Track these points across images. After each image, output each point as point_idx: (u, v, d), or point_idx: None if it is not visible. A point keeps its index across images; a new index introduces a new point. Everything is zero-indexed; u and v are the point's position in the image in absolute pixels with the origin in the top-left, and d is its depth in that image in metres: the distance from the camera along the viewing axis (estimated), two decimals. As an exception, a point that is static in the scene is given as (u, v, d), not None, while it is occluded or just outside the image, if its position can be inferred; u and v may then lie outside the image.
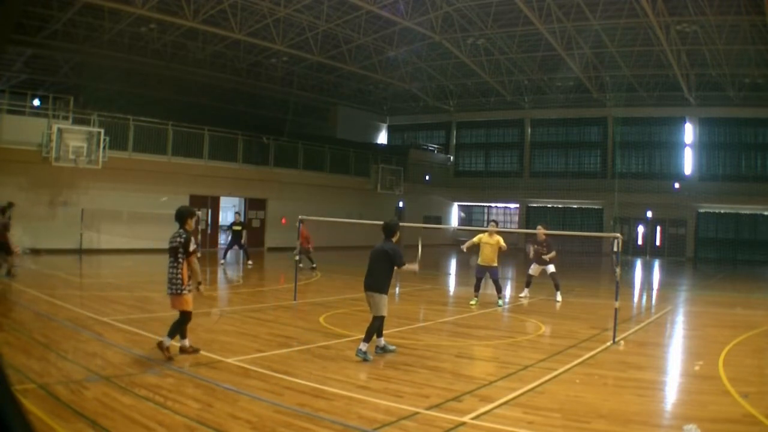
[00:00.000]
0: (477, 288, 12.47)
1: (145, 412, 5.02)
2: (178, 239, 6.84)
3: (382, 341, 7.65)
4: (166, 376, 6.16)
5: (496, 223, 14.48)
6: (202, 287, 7.21)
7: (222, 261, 19.21)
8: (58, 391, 5.39)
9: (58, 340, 7.60)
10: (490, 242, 12.21)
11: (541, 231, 13.51)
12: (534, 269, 13.55)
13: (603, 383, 6.76)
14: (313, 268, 17.56)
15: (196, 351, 7.06)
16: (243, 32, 25.32)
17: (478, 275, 12.48)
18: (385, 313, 7.44)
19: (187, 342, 7.08)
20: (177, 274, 6.81)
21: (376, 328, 7.40)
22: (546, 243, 13.39)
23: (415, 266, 7.88)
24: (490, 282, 12.63)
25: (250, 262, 19.29)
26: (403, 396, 5.80)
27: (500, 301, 12.45)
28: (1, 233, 12.78)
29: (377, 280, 7.47)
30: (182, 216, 7.02)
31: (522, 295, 13.56)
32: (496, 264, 12.29)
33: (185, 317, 6.95)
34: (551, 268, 13.23)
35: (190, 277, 6.92)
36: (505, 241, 12.49)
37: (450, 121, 39.55)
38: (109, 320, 9.01)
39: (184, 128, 23.08)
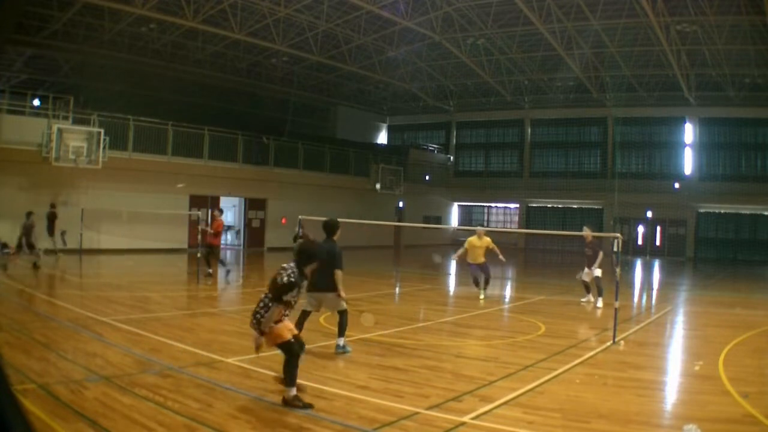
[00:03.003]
0: (477, 284, 13.08)
1: (145, 412, 5.02)
2: (284, 278, 5.36)
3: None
4: (166, 376, 6.16)
5: (482, 225, 14.62)
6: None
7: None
8: (58, 391, 5.39)
9: (58, 340, 7.60)
10: (480, 245, 12.88)
11: (588, 233, 12.87)
12: (586, 275, 12.87)
13: (603, 383, 6.76)
14: (209, 274, 14.82)
15: (307, 407, 5.26)
16: (243, 32, 25.32)
17: (474, 273, 13.12)
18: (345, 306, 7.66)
19: (294, 391, 5.36)
20: (264, 311, 5.34)
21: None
22: (592, 245, 12.75)
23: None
24: (473, 285, 12.97)
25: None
26: (403, 396, 5.80)
27: (482, 294, 12.96)
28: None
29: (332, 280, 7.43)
30: (304, 260, 5.56)
31: (584, 300, 12.95)
32: (484, 260, 12.97)
33: (287, 351, 5.39)
34: (597, 272, 12.61)
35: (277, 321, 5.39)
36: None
37: (450, 121, 39.55)
38: (109, 320, 9.01)
39: (184, 128, 23.08)
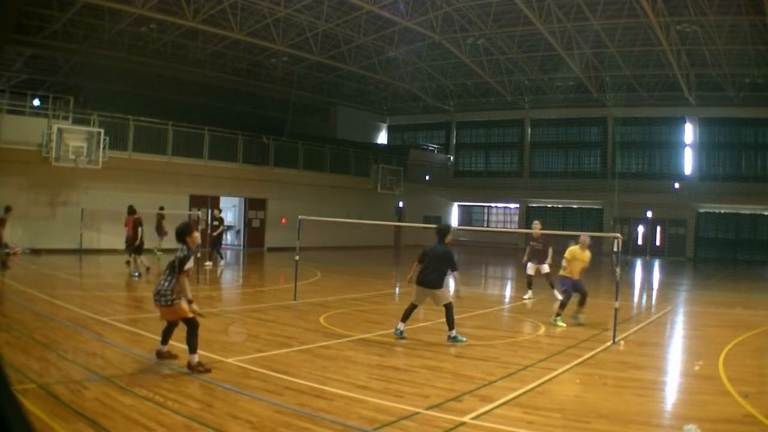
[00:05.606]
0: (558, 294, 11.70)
1: (145, 412, 5.03)
2: (178, 254, 6.58)
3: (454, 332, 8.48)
4: (166, 376, 6.16)
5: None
6: (194, 306, 6.56)
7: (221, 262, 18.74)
8: (58, 391, 5.39)
9: (58, 340, 7.60)
10: (582, 258, 10.77)
11: (537, 227, 13.47)
12: (531, 269, 13.49)
13: (603, 383, 6.76)
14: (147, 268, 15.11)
15: (207, 370, 6.34)
16: (243, 32, 25.32)
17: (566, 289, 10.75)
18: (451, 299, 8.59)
19: (196, 357, 6.42)
20: (168, 287, 6.44)
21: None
22: (541, 240, 13.42)
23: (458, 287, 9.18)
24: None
25: (208, 263, 17.40)
26: (403, 396, 5.80)
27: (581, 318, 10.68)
28: None
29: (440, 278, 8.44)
30: (181, 234, 6.75)
31: (526, 296, 13.56)
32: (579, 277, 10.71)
33: (191, 325, 6.44)
34: (545, 268, 13.26)
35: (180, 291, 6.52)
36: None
37: (450, 121, 39.55)
38: (109, 320, 9.00)
39: (184, 128, 23.06)
